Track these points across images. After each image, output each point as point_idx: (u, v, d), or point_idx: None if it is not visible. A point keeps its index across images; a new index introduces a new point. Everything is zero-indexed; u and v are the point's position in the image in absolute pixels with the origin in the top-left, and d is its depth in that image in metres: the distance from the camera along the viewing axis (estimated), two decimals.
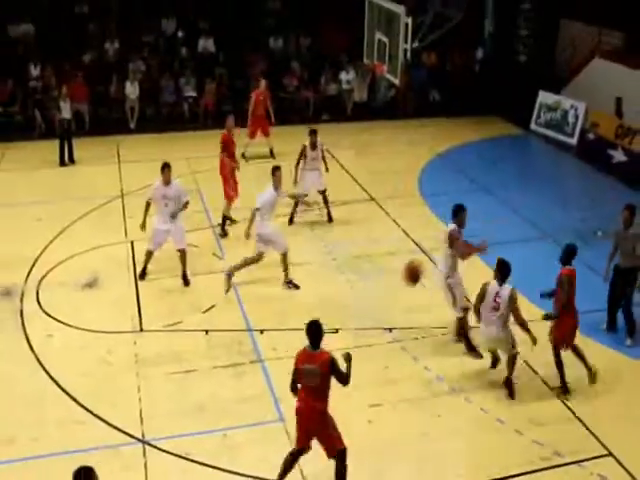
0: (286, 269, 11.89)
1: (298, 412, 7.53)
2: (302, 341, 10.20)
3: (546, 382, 9.63)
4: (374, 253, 13.14)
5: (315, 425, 7.49)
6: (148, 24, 22.25)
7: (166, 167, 11.66)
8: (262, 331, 10.62)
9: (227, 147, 13.95)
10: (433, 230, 14.04)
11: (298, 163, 14.04)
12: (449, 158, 18.29)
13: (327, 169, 14.38)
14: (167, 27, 22.33)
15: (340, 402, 9.10)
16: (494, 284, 9.16)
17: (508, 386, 9.39)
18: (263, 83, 17.63)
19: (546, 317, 9.49)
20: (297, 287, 11.89)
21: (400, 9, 14.90)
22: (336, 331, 10.64)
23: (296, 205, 14.08)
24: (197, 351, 10.21)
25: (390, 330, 10.76)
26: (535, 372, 9.83)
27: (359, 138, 19.60)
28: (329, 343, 10.25)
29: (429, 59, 22.35)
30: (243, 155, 17.05)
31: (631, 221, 10.41)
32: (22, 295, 11.56)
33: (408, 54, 15.31)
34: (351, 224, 14.41)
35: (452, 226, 10.10)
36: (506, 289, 9.08)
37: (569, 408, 9.19)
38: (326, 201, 14.32)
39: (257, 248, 11.67)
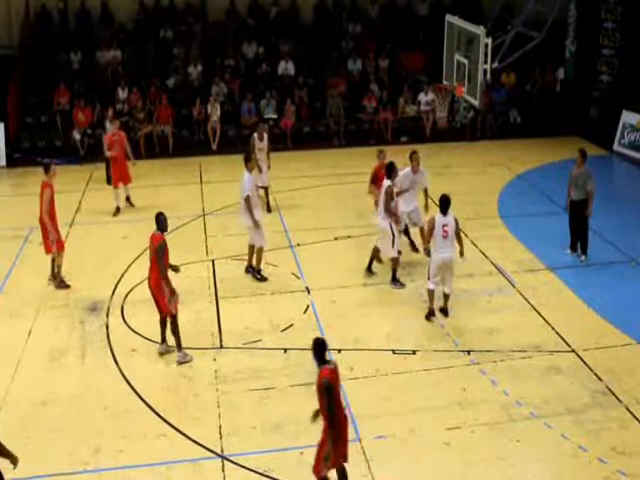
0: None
1: None
2: (380, 362, 10.36)
3: (630, 409, 9.38)
4: None
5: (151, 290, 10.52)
6: (230, 48, 22.80)
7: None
8: (340, 350, 10.68)
9: (376, 179, 13.49)
10: (512, 251, 13.91)
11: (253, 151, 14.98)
12: (529, 179, 18.04)
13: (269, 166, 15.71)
14: (248, 50, 22.82)
15: (417, 423, 9.15)
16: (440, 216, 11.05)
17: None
18: (116, 124, 16.62)
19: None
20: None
21: (480, 30, 14.82)
22: (414, 352, 10.64)
23: None
24: (275, 369, 10.33)
25: (469, 352, 10.67)
26: (619, 400, 9.58)
27: (438, 159, 19.51)
28: (406, 364, 10.38)
29: (509, 79, 22.15)
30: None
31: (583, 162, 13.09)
32: (108, 310, 11.98)
33: (488, 75, 15.18)
34: None
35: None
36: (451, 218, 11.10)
37: None
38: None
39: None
